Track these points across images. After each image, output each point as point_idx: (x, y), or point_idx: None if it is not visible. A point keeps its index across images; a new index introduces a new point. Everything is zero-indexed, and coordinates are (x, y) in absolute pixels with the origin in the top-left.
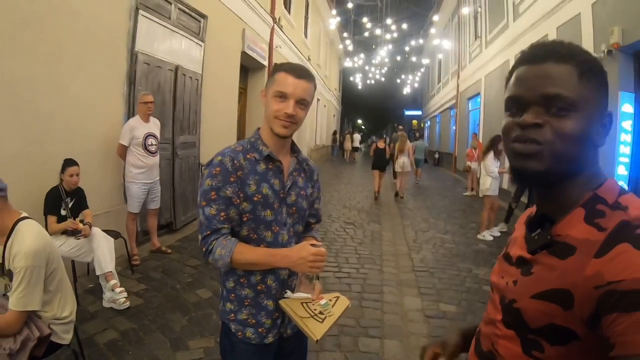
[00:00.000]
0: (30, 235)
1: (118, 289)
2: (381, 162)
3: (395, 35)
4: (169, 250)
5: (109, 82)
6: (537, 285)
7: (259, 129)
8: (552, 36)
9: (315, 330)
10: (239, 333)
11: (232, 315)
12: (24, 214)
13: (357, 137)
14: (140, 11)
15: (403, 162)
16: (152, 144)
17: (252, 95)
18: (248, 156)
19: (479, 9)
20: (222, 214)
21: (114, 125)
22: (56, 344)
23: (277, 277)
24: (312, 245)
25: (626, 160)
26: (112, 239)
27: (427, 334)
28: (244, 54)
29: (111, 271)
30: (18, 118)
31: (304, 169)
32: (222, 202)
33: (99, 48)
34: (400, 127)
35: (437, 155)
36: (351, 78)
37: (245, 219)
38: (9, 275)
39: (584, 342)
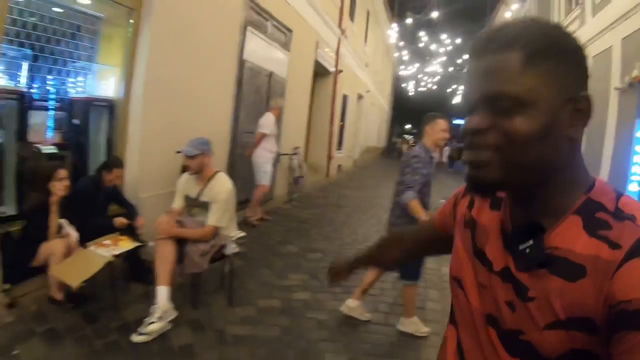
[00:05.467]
0: (228, 182)
1: None
2: None
3: (449, 48)
4: (268, 217)
5: (224, 84)
6: (549, 314)
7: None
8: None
9: None
10: None
11: None
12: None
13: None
14: (248, 27)
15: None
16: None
17: (317, 97)
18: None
19: None
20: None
21: (224, 119)
22: (222, 255)
23: None
24: None
25: (639, 178)
26: None
27: None
28: (316, 62)
29: None
30: (172, 109)
31: None
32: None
33: (219, 57)
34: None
35: None
36: (403, 84)
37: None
38: (204, 206)
39: None
